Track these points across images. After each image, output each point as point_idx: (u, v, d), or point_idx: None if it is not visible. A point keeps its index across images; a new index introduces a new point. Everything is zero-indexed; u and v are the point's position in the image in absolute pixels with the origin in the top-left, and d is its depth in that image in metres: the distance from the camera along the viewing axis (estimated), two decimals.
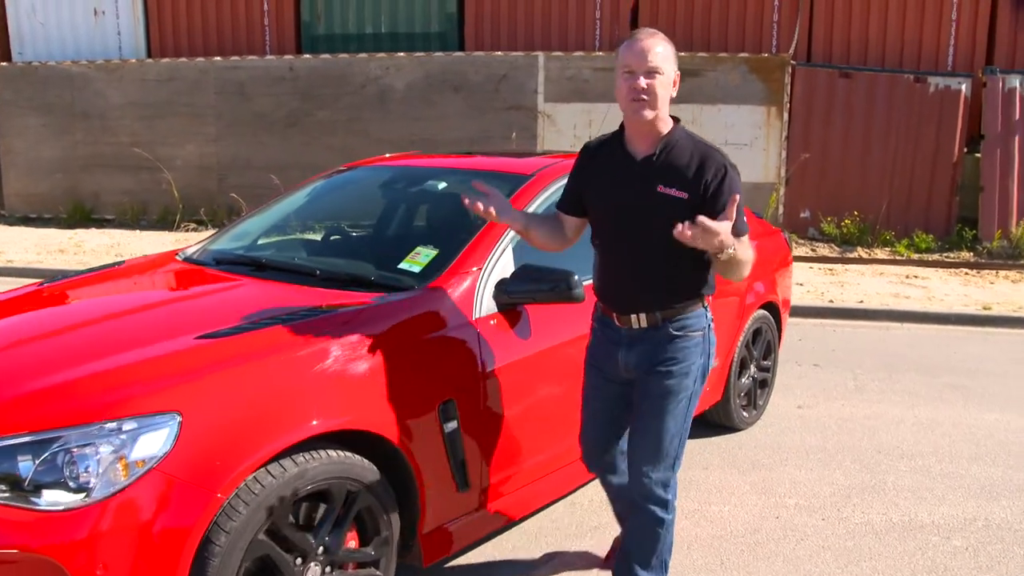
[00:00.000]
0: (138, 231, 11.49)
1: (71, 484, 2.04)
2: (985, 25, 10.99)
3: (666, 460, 2.62)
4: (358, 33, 12.40)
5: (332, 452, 2.37)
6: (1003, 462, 4.30)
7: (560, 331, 3.11)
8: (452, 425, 2.70)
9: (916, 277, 9.19)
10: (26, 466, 2.05)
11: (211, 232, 10.96)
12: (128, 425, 2.09)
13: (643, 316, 2.58)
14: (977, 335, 7.18)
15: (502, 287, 2.94)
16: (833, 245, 10.41)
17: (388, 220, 3.74)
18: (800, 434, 4.63)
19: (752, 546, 3.40)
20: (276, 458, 2.25)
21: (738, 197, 2.36)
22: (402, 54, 11.51)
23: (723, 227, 2.27)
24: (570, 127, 11.12)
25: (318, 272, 3.07)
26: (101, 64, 12.27)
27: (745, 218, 2.50)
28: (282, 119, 11.66)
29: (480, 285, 2.93)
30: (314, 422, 2.32)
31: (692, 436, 3.23)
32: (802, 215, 10.62)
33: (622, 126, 2.60)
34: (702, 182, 2.43)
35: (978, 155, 10.52)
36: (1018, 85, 10.36)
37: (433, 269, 2.98)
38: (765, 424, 4.77)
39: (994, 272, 9.46)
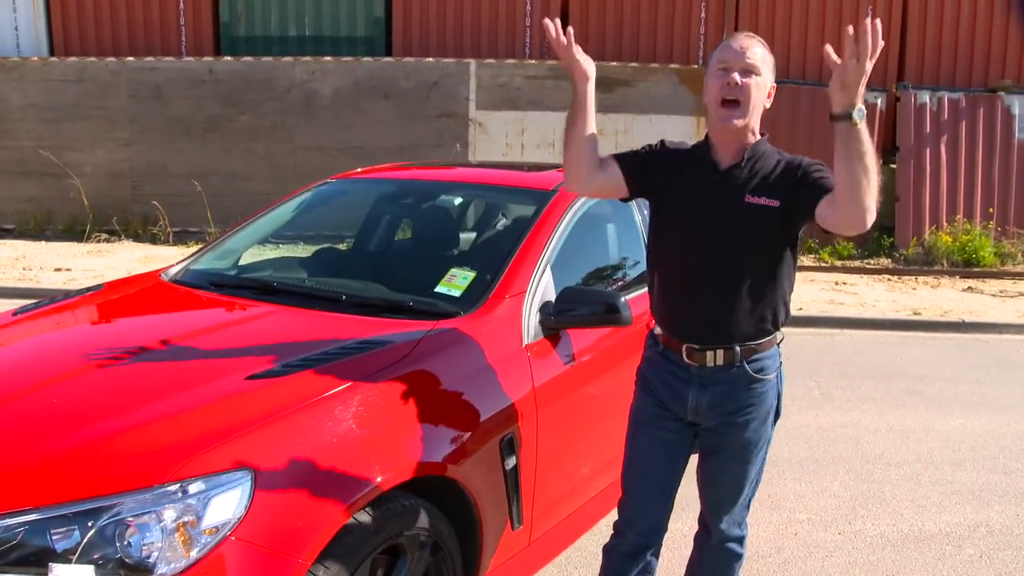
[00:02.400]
0: (44, 242, 10.68)
1: (128, 562, 1.73)
2: (896, 42, 11.54)
3: (744, 502, 2.48)
4: (281, 35, 11.95)
5: (406, 501, 2.15)
6: (982, 466, 4.44)
7: (599, 354, 3.00)
8: (512, 461, 2.51)
9: (845, 284, 9.52)
10: (67, 543, 1.72)
11: (155, 244, 10.38)
12: (194, 486, 1.80)
13: (720, 352, 2.28)
14: (913, 340, 7.47)
15: (547, 311, 2.79)
16: None
17: (400, 239, 3.51)
18: (787, 446, 4.66)
19: (781, 566, 3.37)
20: (354, 515, 2.01)
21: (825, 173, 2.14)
22: (329, 58, 11.16)
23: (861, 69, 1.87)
24: (502, 135, 11.03)
25: (344, 297, 2.83)
26: None
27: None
28: (201, 124, 11.10)
29: (527, 309, 2.77)
30: (390, 471, 2.08)
31: None
32: None
33: (707, 136, 2.34)
34: (791, 182, 2.18)
35: (892, 166, 11.01)
36: (928, 100, 10.92)
37: (475, 293, 2.78)
38: None
39: (913, 278, 9.91)
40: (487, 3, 11.76)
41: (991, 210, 10.92)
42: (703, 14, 11.63)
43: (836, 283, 9.54)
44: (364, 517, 2.02)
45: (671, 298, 2.38)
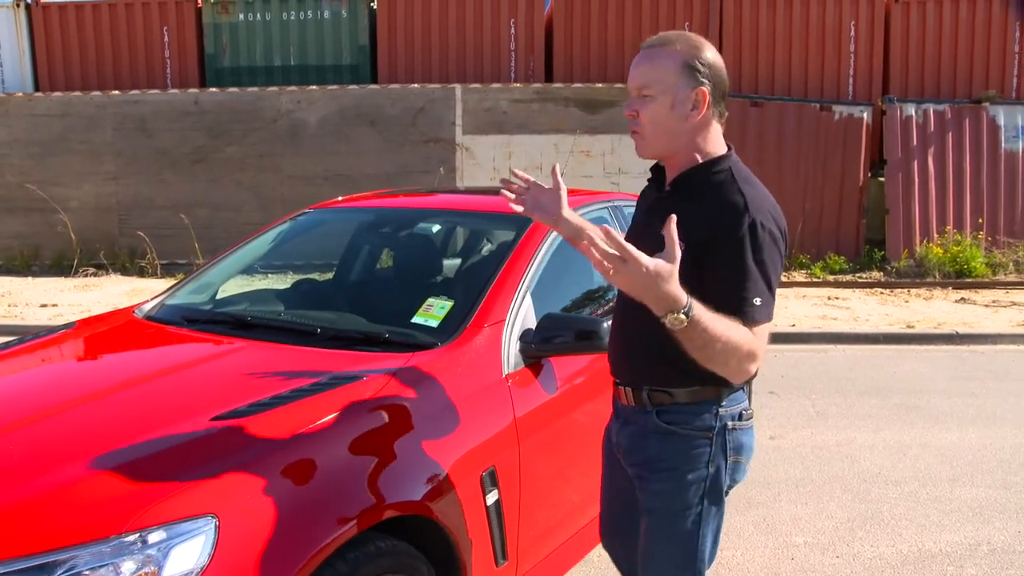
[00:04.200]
0: (31, 277, 10.61)
1: None
2: (880, 56, 11.59)
3: None
4: (266, 65, 11.96)
5: (382, 543, 2.05)
6: (980, 481, 4.36)
7: (585, 381, 2.92)
8: (495, 495, 2.43)
9: (837, 298, 9.48)
10: None
11: (140, 278, 10.33)
12: (155, 536, 1.71)
13: (630, 392, 2.02)
14: (907, 353, 7.41)
15: (527, 339, 2.72)
16: None
17: (378, 269, 3.44)
18: (782, 466, 4.59)
19: None
20: (326, 560, 1.91)
21: (748, 265, 1.76)
22: (314, 87, 11.16)
23: (646, 261, 1.58)
24: (489, 160, 11.02)
25: (319, 330, 2.74)
26: None
27: (759, 301, 1.77)
28: (187, 155, 11.08)
29: (506, 338, 2.70)
30: (364, 512, 1.99)
31: None
32: None
33: None
34: (706, 231, 1.79)
35: (882, 179, 11.03)
36: (913, 113, 10.94)
37: (453, 323, 2.69)
38: None
39: (906, 291, 9.88)
40: (471, 28, 11.79)
41: (980, 220, 10.92)
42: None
43: (828, 298, 9.49)
44: (337, 562, 1.92)
45: (612, 325, 2.21)
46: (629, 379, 2.03)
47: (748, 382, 1.99)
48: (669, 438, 1.96)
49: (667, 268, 1.61)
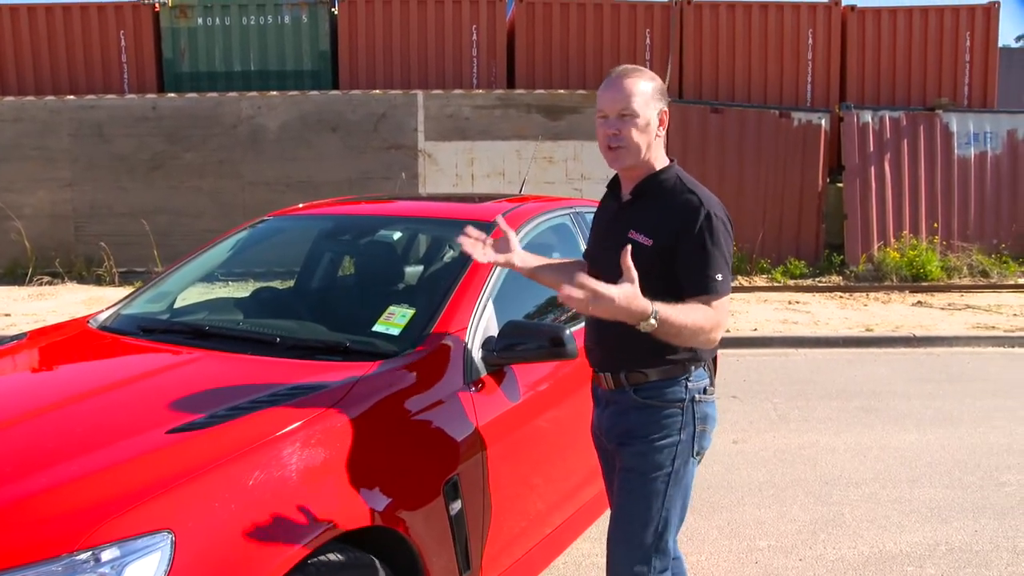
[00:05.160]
0: None
1: None
2: (837, 64, 11.80)
3: (639, 551, 2.23)
4: (226, 71, 11.81)
5: (343, 556, 2.02)
6: (939, 482, 4.43)
7: (550, 387, 2.91)
8: (457, 505, 2.40)
9: (798, 303, 9.60)
10: None
11: (94, 286, 10.11)
12: (107, 553, 1.65)
13: (609, 376, 2.33)
14: (866, 356, 7.52)
15: (490, 347, 2.70)
16: None
17: (339, 276, 3.39)
18: (745, 470, 4.62)
19: None
20: (288, 573, 1.87)
21: (710, 249, 2.10)
22: (275, 93, 11.05)
23: (613, 292, 1.90)
24: (452, 166, 10.99)
25: (278, 340, 2.69)
26: None
27: (720, 276, 2.13)
28: (145, 162, 10.90)
29: (468, 346, 2.68)
30: (325, 525, 1.96)
31: None
32: None
33: None
34: (671, 226, 2.16)
35: (840, 185, 11.20)
36: (870, 120, 11.14)
37: (414, 331, 2.66)
38: (708, 462, 4.71)
39: (864, 294, 10.03)
40: (433, 34, 11.76)
41: (936, 225, 11.14)
42: (648, 40, 11.77)
43: (789, 302, 9.61)
44: (298, 575, 1.88)
45: (585, 324, 2.50)
46: (608, 366, 2.33)
47: (710, 364, 2.35)
48: (646, 410, 2.26)
49: (631, 291, 1.94)
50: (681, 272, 2.14)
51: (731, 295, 2.21)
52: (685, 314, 2.03)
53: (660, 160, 2.28)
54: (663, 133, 2.27)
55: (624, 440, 2.30)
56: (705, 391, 2.30)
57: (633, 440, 2.27)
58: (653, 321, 1.97)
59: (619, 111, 2.20)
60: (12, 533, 1.69)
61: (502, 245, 2.45)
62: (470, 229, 2.42)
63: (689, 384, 2.27)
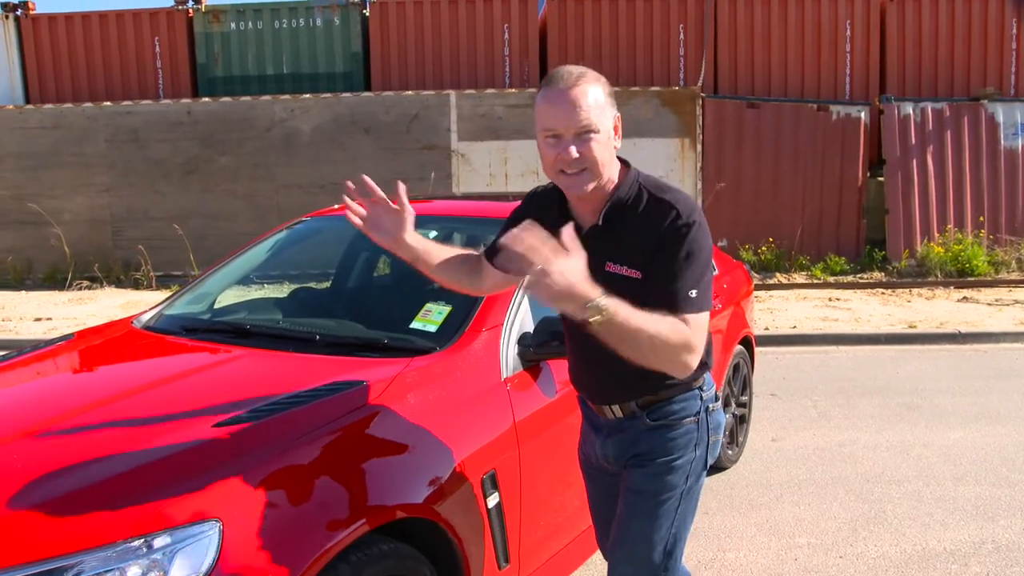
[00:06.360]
0: (24, 291, 10.56)
1: None
2: (877, 55, 11.58)
3: (647, 571, 2.08)
4: (259, 74, 11.93)
5: (385, 546, 2.06)
6: (985, 480, 4.33)
7: None
8: (495, 498, 2.42)
9: (838, 299, 9.45)
10: None
11: (136, 291, 10.29)
12: (159, 541, 1.72)
13: (617, 408, 2.10)
14: (910, 353, 7.37)
15: (525, 343, 2.70)
16: (753, 272, 10.63)
17: (375, 276, 3.43)
18: (784, 468, 4.55)
19: None
20: (330, 563, 1.91)
21: (685, 261, 1.84)
22: (308, 95, 11.13)
23: (558, 269, 1.62)
24: (485, 166, 10.99)
25: (317, 337, 2.73)
26: None
27: (695, 293, 1.85)
28: (181, 166, 11.04)
29: (504, 342, 2.68)
30: (367, 515, 2.00)
31: None
32: (720, 244, 10.80)
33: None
34: (650, 249, 1.89)
35: (881, 179, 11.00)
36: (911, 112, 10.92)
37: (451, 327, 2.70)
38: (746, 460, 4.67)
39: (907, 291, 9.85)
40: (465, 33, 11.78)
41: (981, 219, 10.90)
42: (682, 36, 11.66)
43: (829, 299, 9.47)
44: (340, 565, 1.93)
45: (570, 357, 2.26)
46: (616, 399, 2.09)
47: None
48: (659, 431, 2.07)
49: (575, 267, 1.65)
50: (652, 288, 1.86)
51: (708, 313, 1.90)
52: (645, 316, 1.74)
53: (616, 170, 1.98)
54: (619, 141, 1.96)
55: (637, 463, 2.10)
56: (716, 398, 2.15)
57: (646, 462, 2.08)
58: (600, 304, 1.66)
59: (576, 130, 1.86)
60: (69, 520, 1.76)
61: (392, 223, 2.11)
62: (349, 202, 2.16)
63: (704, 394, 2.10)
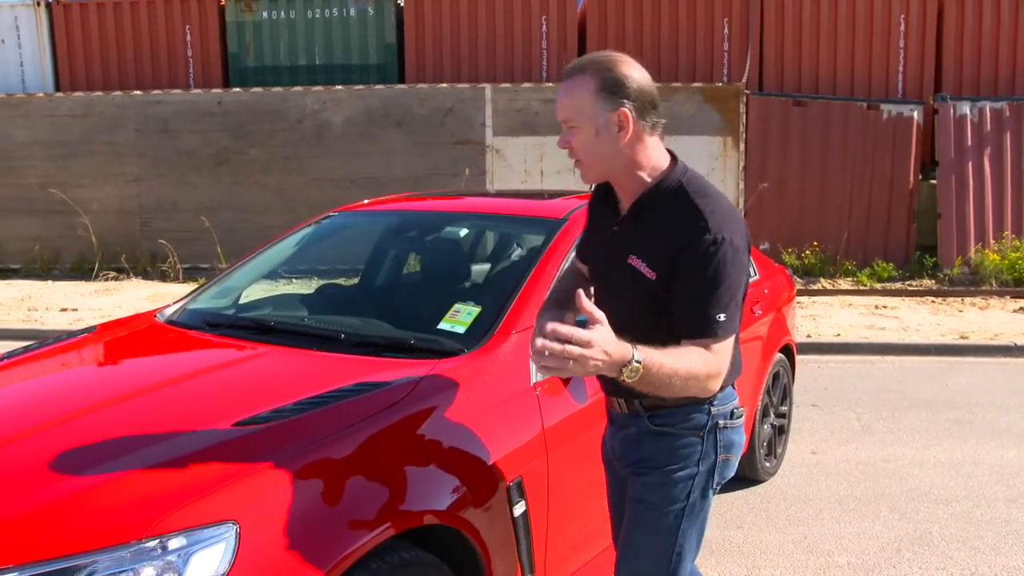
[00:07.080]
0: (51, 281, 10.57)
1: None
2: (932, 51, 11.17)
3: None
4: (291, 65, 11.83)
5: (406, 553, 1.98)
6: None
7: None
8: (522, 507, 2.32)
9: (885, 307, 9.12)
10: None
11: (156, 282, 10.26)
12: (175, 542, 1.69)
13: (623, 401, 2.08)
14: (961, 365, 7.06)
15: None
16: (796, 277, 10.30)
17: (404, 274, 3.37)
18: (824, 482, 4.34)
19: None
20: (349, 569, 1.85)
21: (712, 282, 1.79)
22: (340, 87, 11.01)
23: (584, 338, 1.61)
24: (520, 162, 10.79)
25: (343, 336, 2.64)
26: (2, 99, 11.33)
27: (723, 316, 1.81)
28: (211, 157, 10.98)
29: None
30: (388, 521, 1.93)
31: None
32: (762, 247, 10.48)
33: None
34: (670, 254, 1.84)
35: (932, 182, 10.62)
36: (968, 111, 10.50)
37: (480, 329, 2.58)
38: (785, 473, 4.47)
39: (959, 299, 9.48)
40: (502, 26, 11.58)
41: None
42: (726, 30, 11.35)
43: (876, 307, 9.14)
44: (360, 572, 1.88)
45: None
46: (622, 390, 1.98)
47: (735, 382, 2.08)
48: (661, 438, 2.03)
49: (604, 335, 1.65)
50: (676, 306, 1.84)
51: (736, 334, 1.88)
52: (676, 358, 1.74)
53: (652, 163, 1.92)
54: (645, 134, 1.89)
55: (637, 470, 2.07)
56: (732, 415, 2.04)
57: (647, 470, 2.04)
58: (636, 364, 1.67)
59: (564, 121, 1.91)
60: (84, 519, 1.74)
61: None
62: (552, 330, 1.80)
63: (714, 409, 2.01)
